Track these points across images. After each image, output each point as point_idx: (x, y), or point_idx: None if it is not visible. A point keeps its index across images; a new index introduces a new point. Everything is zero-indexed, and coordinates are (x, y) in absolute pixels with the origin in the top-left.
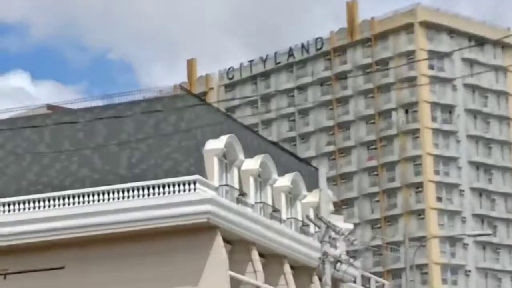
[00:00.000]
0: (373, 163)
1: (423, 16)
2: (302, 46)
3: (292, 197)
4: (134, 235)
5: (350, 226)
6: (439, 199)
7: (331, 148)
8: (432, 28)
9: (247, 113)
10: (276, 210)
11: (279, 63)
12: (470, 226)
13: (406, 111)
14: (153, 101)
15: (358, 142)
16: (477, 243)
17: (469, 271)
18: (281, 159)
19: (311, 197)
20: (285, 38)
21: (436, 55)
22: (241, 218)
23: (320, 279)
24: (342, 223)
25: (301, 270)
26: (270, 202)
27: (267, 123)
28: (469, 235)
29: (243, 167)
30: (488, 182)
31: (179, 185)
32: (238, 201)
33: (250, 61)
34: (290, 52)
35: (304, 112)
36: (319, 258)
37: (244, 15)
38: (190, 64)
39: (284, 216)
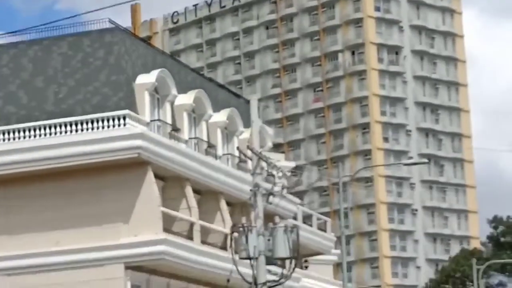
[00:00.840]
0: (319, 104)
1: None
2: None
3: (228, 133)
4: (62, 172)
5: (292, 164)
6: (385, 139)
7: (277, 90)
8: None
9: (192, 57)
10: (211, 146)
11: (224, 6)
12: (417, 167)
13: (353, 53)
14: (80, 35)
15: (304, 84)
16: (424, 183)
17: (416, 210)
18: (218, 96)
19: (249, 133)
20: None
21: None
22: (173, 154)
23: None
24: (284, 162)
25: (238, 207)
26: (205, 138)
27: (213, 66)
28: (405, 164)
29: (176, 102)
30: (435, 122)
31: (108, 120)
32: (171, 136)
33: (195, 5)
34: None
35: (249, 55)
36: (250, 190)
37: None
38: (134, 9)
39: (220, 152)
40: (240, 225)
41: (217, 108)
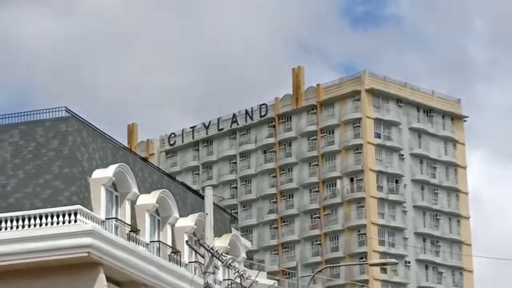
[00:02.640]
0: (316, 232)
1: (370, 83)
2: (246, 112)
3: (197, 239)
4: (7, 271)
5: (270, 282)
6: (384, 270)
7: (274, 216)
8: (379, 96)
9: (188, 179)
10: (176, 251)
11: (222, 129)
12: None
13: (351, 180)
14: (34, 124)
15: (301, 210)
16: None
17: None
18: (187, 199)
19: (220, 242)
20: (229, 104)
21: (383, 123)
22: (129, 256)
23: None
24: (264, 279)
25: None
26: (169, 243)
27: None
28: None
29: (138, 202)
30: (435, 254)
31: (58, 216)
32: (129, 238)
33: (193, 127)
34: (234, 119)
35: (246, 180)
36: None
37: (188, 80)
38: (131, 129)
39: (185, 259)
40: None
41: (184, 213)
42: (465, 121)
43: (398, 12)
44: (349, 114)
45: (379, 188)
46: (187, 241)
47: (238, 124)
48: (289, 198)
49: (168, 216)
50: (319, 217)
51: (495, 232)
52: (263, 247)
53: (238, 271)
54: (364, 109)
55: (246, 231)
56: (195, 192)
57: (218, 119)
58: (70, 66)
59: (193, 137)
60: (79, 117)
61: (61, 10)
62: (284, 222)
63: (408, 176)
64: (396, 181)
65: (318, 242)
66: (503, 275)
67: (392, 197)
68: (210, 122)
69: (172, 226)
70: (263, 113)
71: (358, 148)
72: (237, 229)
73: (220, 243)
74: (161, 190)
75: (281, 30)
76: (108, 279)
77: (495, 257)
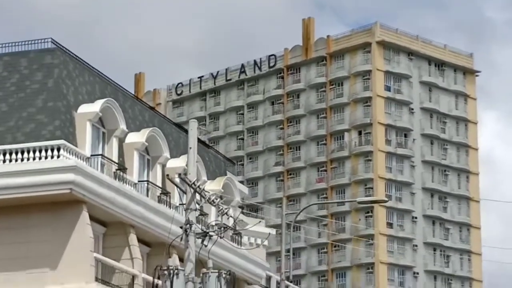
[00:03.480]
0: (323, 185)
1: (381, 35)
2: (255, 63)
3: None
4: None
5: (272, 231)
6: (389, 225)
7: (280, 168)
8: (390, 48)
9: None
10: (165, 193)
11: (230, 80)
12: (423, 255)
13: (359, 133)
14: (17, 55)
15: (308, 163)
16: (428, 273)
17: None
18: (180, 140)
19: (213, 185)
20: (238, 55)
21: (393, 76)
22: (115, 194)
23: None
24: (261, 228)
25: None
26: (159, 184)
27: (215, 141)
28: None
29: (127, 140)
30: (443, 210)
31: (40, 151)
32: (116, 176)
33: (200, 77)
34: (242, 69)
35: (253, 131)
36: (180, 227)
37: (196, 31)
38: (138, 78)
39: (176, 201)
40: (165, 267)
41: (177, 153)
42: (477, 75)
43: None
44: (358, 66)
45: (388, 142)
46: (167, 175)
47: (246, 75)
48: (296, 150)
49: (158, 156)
50: (325, 170)
51: (505, 191)
52: (268, 200)
53: (221, 209)
54: (374, 61)
55: (252, 183)
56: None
57: (226, 69)
58: (77, 20)
59: (200, 87)
60: (66, 49)
61: None
62: (290, 174)
63: (418, 130)
64: (405, 135)
65: (325, 196)
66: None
67: (400, 151)
68: (218, 72)
69: (163, 166)
70: (271, 64)
71: (367, 101)
72: (234, 174)
73: (213, 186)
74: (151, 128)
75: None
76: (93, 218)
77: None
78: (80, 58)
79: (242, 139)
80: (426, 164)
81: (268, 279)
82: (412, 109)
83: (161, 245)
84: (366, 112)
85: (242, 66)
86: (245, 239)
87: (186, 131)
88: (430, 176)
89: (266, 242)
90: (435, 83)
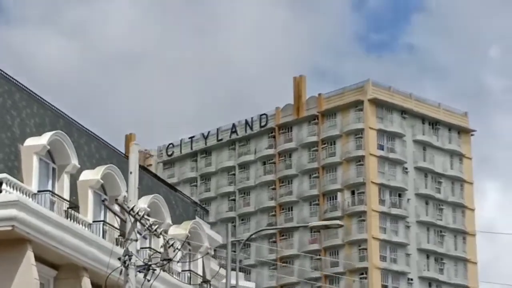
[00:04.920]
0: (316, 246)
1: (373, 93)
2: (246, 122)
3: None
4: None
5: (252, 285)
6: (384, 286)
7: (272, 230)
8: (383, 106)
9: (186, 191)
10: (123, 234)
11: (221, 140)
12: None
13: (352, 193)
14: None
15: (301, 223)
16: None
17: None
18: (143, 180)
19: (179, 230)
20: (229, 114)
21: (386, 135)
22: (65, 234)
23: None
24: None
25: None
26: (116, 225)
27: (207, 202)
28: None
29: (81, 178)
30: (439, 272)
31: None
32: (67, 215)
33: (191, 137)
34: (233, 129)
35: (245, 192)
36: (118, 259)
37: (187, 91)
38: (129, 139)
39: (138, 245)
40: None
41: (139, 193)
42: (472, 135)
43: (412, 41)
44: (351, 124)
45: (381, 201)
46: (103, 201)
47: (237, 135)
48: (289, 211)
49: (117, 195)
50: (318, 231)
51: (504, 254)
52: (262, 262)
53: (150, 227)
54: (367, 119)
55: (244, 245)
56: (153, 173)
57: (218, 129)
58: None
59: (191, 148)
60: (12, 78)
61: (70, 31)
62: (283, 236)
63: (412, 190)
64: (399, 195)
65: (318, 257)
66: None
67: (394, 211)
68: (209, 132)
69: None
70: (263, 123)
71: (360, 160)
72: (207, 222)
73: (179, 230)
74: (108, 165)
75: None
76: (42, 260)
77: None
78: (29, 89)
79: (234, 200)
80: (421, 224)
81: None
82: (406, 168)
83: None
84: (359, 171)
85: (233, 125)
86: None
87: (149, 172)
88: (425, 237)
89: None
90: (429, 142)
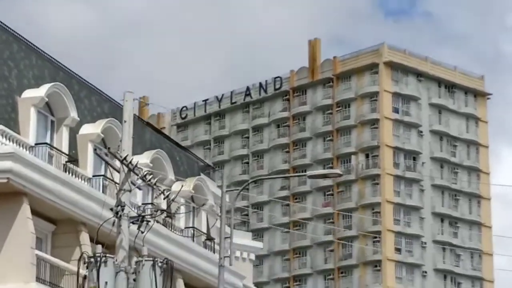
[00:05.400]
0: (329, 209)
1: (388, 56)
2: (260, 85)
3: (153, 179)
4: None
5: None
6: (398, 250)
7: (286, 192)
8: (398, 69)
9: (200, 154)
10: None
11: (235, 102)
12: (433, 282)
13: (367, 156)
14: None
15: (314, 187)
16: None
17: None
18: (144, 135)
19: (184, 186)
20: (243, 77)
21: (401, 98)
22: (64, 188)
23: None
24: (250, 241)
25: None
26: (117, 179)
27: (220, 165)
28: None
29: (81, 131)
30: (453, 236)
31: None
32: (66, 169)
33: (205, 101)
34: (247, 92)
35: (258, 155)
36: (111, 209)
37: (201, 53)
38: (142, 103)
39: (139, 199)
40: (91, 255)
41: (141, 150)
42: (488, 98)
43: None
44: (366, 87)
45: (396, 165)
46: (95, 149)
47: (251, 98)
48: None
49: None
50: (332, 195)
51: None
52: (275, 224)
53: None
54: (382, 82)
55: (257, 207)
56: (156, 129)
57: (231, 92)
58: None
59: (205, 111)
60: (10, 28)
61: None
62: (296, 199)
63: (427, 153)
64: (414, 159)
65: (331, 220)
66: None
67: (409, 174)
68: (223, 95)
69: None
70: (277, 86)
71: (374, 123)
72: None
73: (185, 187)
74: (109, 119)
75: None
76: (39, 214)
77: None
78: (27, 40)
79: (248, 163)
80: (436, 188)
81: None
82: (421, 131)
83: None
84: (373, 135)
85: (247, 88)
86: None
87: (155, 128)
88: (440, 201)
89: (253, 257)
90: (445, 105)
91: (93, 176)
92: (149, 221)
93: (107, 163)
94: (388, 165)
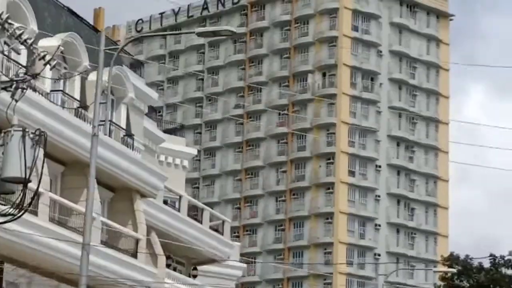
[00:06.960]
0: (284, 129)
1: None
2: None
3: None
4: None
5: (194, 151)
6: (351, 173)
7: (240, 111)
8: None
9: (154, 69)
10: (84, 107)
11: (191, 16)
12: (385, 210)
13: (324, 75)
14: None
15: (269, 105)
16: (391, 225)
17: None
18: (91, 38)
19: (53, 41)
20: None
21: (361, 16)
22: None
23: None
24: (184, 147)
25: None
26: (76, 96)
27: (174, 81)
28: None
29: (40, 43)
30: (409, 160)
31: None
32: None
33: (161, 13)
34: (205, 5)
35: (214, 71)
36: None
37: None
38: (97, 14)
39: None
40: None
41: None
42: (451, 19)
43: None
44: (325, 3)
45: (353, 85)
46: None
47: (208, 11)
48: (257, 92)
49: (78, 65)
50: (287, 114)
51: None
52: (227, 144)
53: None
54: None
55: (211, 126)
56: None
57: (188, 5)
58: None
59: (161, 24)
60: None
61: None
62: (250, 117)
63: (385, 74)
64: (372, 79)
65: (285, 141)
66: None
67: (366, 95)
68: (179, 8)
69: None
70: (235, 0)
71: (333, 41)
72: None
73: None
74: (68, 33)
75: None
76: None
77: (469, 163)
78: None
79: (202, 79)
80: (393, 110)
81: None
82: (381, 51)
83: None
84: (331, 53)
85: (205, 2)
86: (162, 157)
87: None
88: (396, 124)
89: (186, 163)
90: (406, 25)
91: (51, 91)
92: (24, 88)
93: None
94: (345, 85)
